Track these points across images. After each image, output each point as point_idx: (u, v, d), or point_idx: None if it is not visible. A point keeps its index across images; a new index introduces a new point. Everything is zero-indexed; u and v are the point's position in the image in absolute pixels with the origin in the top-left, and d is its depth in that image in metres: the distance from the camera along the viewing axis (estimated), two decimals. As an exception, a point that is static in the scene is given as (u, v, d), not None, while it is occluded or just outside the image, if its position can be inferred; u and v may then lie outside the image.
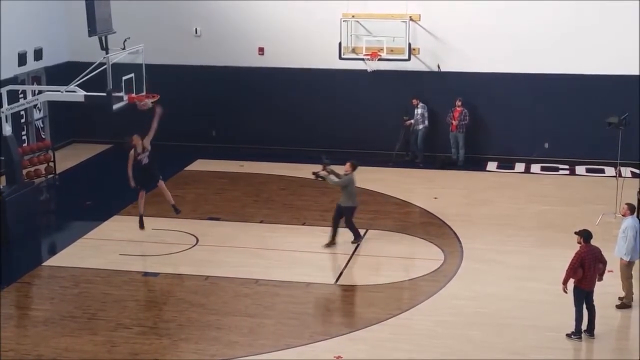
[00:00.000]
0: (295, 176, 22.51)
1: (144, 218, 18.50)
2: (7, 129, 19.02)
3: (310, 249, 17.75)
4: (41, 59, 24.53)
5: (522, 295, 15.73)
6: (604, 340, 14.22)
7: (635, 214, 15.60)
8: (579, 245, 14.12)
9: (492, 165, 24.04)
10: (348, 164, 18.07)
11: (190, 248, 18.17)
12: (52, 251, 18.48)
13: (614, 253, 15.27)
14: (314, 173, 18.15)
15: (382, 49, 23.44)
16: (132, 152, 18.12)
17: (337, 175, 18.09)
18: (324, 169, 18.10)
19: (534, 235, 18.86)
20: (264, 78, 25.15)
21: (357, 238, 18.13)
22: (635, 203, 17.32)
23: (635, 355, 13.71)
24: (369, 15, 24.00)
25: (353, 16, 23.97)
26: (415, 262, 17.69)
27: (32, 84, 23.90)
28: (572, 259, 14.00)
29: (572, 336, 14.10)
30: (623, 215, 15.50)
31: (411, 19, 23.70)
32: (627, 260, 15.13)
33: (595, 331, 14.18)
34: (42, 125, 25.03)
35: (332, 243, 17.94)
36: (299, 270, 17.12)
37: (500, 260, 17.35)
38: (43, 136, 24.81)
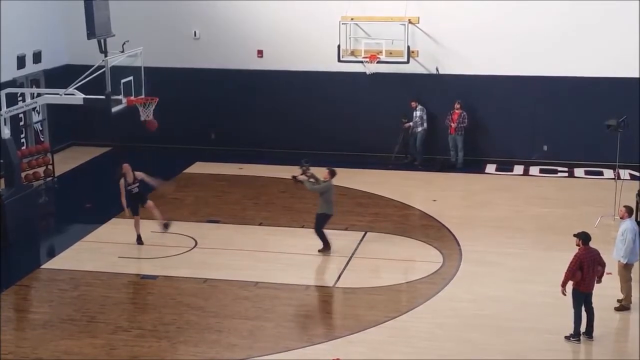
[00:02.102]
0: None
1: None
2: (6, 132, 19.02)
3: (309, 252, 17.75)
4: (40, 61, 24.55)
5: (521, 298, 15.74)
6: (603, 343, 14.23)
7: (634, 217, 15.59)
8: (578, 247, 14.14)
9: (490, 168, 24.05)
10: (326, 171, 17.85)
11: (189, 251, 18.18)
12: (51, 254, 18.48)
13: (613, 256, 15.28)
14: (293, 177, 18.03)
15: (381, 52, 23.46)
16: (122, 181, 18.02)
17: (316, 180, 17.90)
18: (303, 173, 17.85)
19: (532, 237, 18.87)
20: (263, 81, 25.16)
21: (325, 248, 17.78)
22: (633, 205, 17.35)
23: (634, 357, 13.72)
24: (368, 18, 24.04)
25: (352, 19, 23.99)
26: (414, 264, 17.69)
27: (31, 87, 23.89)
28: (571, 262, 14.00)
29: (571, 338, 14.11)
30: (621, 218, 15.51)
31: (410, 22, 23.73)
32: (624, 262, 15.13)
33: (594, 333, 14.19)
34: (40, 128, 25.01)
35: (327, 245, 17.88)
36: (298, 273, 17.13)
37: (499, 263, 17.36)
38: (42, 139, 24.79)
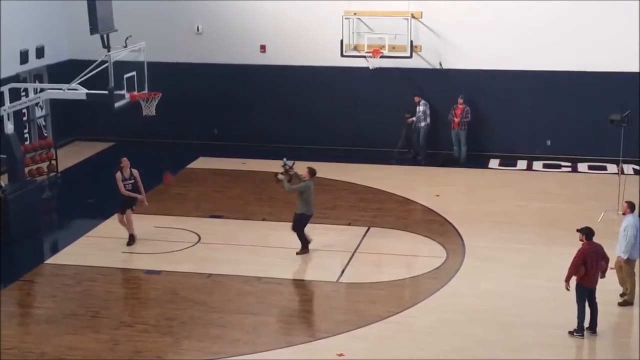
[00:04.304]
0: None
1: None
2: (9, 127, 19.02)
3: (312, 247, 17.72)
4: (43, 57, 24.54)
5: (524, 293, 15.74)
6: (606, 338, 14.24)
7: (637, 212, 15.55)
8: (581, 242, 14.13)
9: (494, 163, 24.03)
10: (306, 170, 17.55)
11: (193, 246, 18.18)
12: (55, 249, 18.52)
13: (616, 251, 15.26)
14: (275, 175, 17.75)
15: (383, 47, 23.44)
16: (118, 174, 17.95)
17: (299, 178, 17.62)
18: (285, 172, 17.55)
19: (536, 232, 18.87)
20: (266, 76, 25.15)
21: (304, 249, 17.52)
22: (637, 200, 17.29)
23: (637, 352, 13.71)
24: (370, 13, 24.01)
25: (355, 13, 23.98)
26: (417, 259, 17.69)
27: (34, 82, 23.90)
28: (575, 257, 14.00)
29: (575, 333, 14.11)
30: (623, 214, 15.49)
31: (413, 16, 23.70)
32: (625, 258, 15.10)
33: (598, 328, 14.20)
34: (44, 124, 25.04)
35: (305, 247, 17.60)
36: (301, 268, 17.16)
37: (502, 258, 17.36)
38: (45, 134, 24.82)
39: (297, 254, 17.50)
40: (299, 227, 17.49)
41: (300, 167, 17.92)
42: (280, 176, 17.55)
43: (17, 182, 19.01)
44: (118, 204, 18.23)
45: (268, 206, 20.58)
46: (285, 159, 17.83)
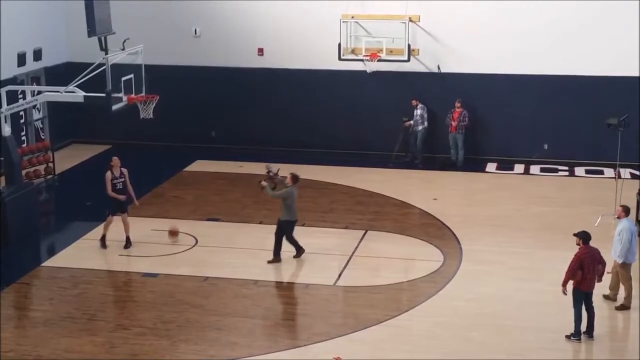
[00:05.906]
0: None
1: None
2: (7, 130, 19.01)
3: (309, 250, 17.71)
4: (40, 59, 24.54)
5: (521, 297, 15.74)
6: (603, 342, 14.25)
7: (634, 217, 15.58)
8: (578, 246, 14.14)
9: (491, 167, 24.04)
10: (288, 176, 17.44)
11: (190, 249, 18.17)
12: (52, 252, 18.49)
13: (611, 255, 15.27)
14: (259, 182, 17.62)
15: (381, 50, 23.46)
16: (108, 173, 17.86)
17: (284, 184, 17.46)
18: (270, 179, 17.43)
19: (533, 236, 18.87)
20: (264, 79, 25.15)
21: (299, 252, 17.51)
22: (634, 205, 17.33)
23: (634, 356, 13.73)
24: (368, 16, 24.02)
25: (352, 17, 23.99)
26: (415, 263, 17.68)
27: (32, 85, 23.89)
28: (572, 261, 14.01)
29: (572, 337, 14.12)
30: (618, 218, 15.53)
31: (410, 20, 23.72)
32: (620, 262, 15.12)
33: (595, 332, 14.20)
34: (41, 126, 25.02)
35: (276, 260, 17.39)
36: (298, 272, 17.15)
37: (499, 262, 17.36)
38: (42, 137, 24.80)
39: (294, 257, 17.51)
40: (288, 234, 17.43)
41: (303, 171, 17.89)
42: (263, 183, 17.44)
43: (14, 185, 18.98)
44: (111, 206, 18.11)
45: (265, 209, 20.53)
46: (268, 166, 17.75)
